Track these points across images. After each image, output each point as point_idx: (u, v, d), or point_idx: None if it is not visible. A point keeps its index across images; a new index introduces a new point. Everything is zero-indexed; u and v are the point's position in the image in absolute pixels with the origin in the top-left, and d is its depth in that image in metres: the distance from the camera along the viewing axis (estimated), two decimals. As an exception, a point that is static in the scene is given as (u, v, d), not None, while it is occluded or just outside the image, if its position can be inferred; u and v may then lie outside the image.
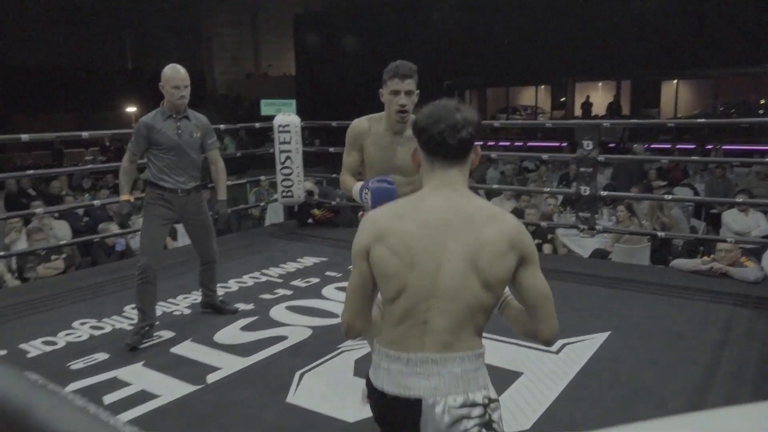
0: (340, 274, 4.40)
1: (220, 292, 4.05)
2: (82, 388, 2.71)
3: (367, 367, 2.81)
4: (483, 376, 1.38)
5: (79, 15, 20.39)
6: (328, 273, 4.44)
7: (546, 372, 2.84)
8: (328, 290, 4.05)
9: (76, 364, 2.97)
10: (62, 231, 5.77)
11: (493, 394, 1.38)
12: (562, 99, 19.14)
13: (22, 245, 5.16)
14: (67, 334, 3.36)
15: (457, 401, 1.32)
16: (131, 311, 3.57)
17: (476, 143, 1.44)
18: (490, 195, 7.59)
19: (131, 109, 20.11)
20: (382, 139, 2.36)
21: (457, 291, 1.33)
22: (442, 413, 1.32)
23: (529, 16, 16.14)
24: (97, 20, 20.96)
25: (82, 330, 3.43)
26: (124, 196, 3.38)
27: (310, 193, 5.94)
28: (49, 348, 3.18)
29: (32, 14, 19.45)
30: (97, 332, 3.38)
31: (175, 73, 3.26)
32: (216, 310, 3.67)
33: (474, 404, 1.33)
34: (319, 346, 3.14)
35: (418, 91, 2.30)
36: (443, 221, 1.36)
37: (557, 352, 3.03)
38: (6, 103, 17.95)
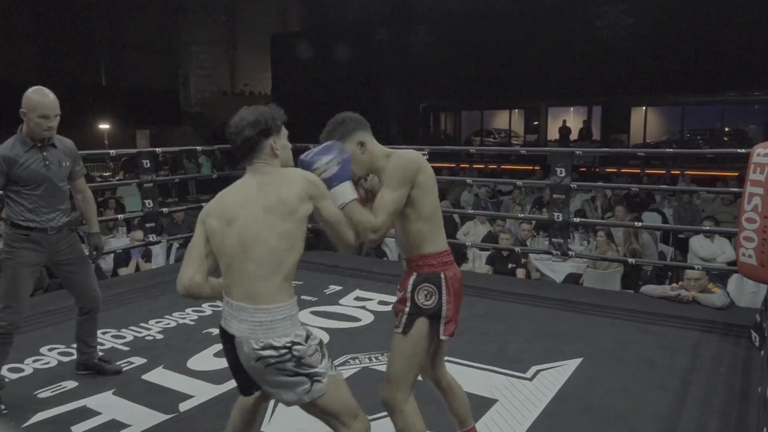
0: (316, 298, 4.39)
1: (194, 316, 4.01)
2: (50, 417, 2.66)
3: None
4: (287, 326, 1.75)
5: (51, 31, 20.15)
6: (304, 296, 4.42)
7: (520, 399, 2.86)
8: (303, 315, 4.01)
9: (44, 393, 2.91)
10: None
11: (297, 338, 1.75)
12: (535, 123, 19.50)
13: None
14: (35, 361, 3.28)
15: (258, 344, 1.72)
16: (102, 336, 3.51)
17: (270, 138, 1.82)
18: (464, 219, 7.67)
19: (104, 126, 19.88)
20: None
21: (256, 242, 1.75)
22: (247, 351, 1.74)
23: (502, 40, 16.47)
24: (70, 36, 20.75)
25: (51, 356, 3.36)
26: None
27: None
28: (15, 375, 3.10)
29: (2, 28, 19.13)
30: (66, 359, 3.31)
31: (42, 99, 2.76)
32: (96, 371, 3.10)
33: (272, 347, 1.72)
34: (293, 372, 3.12)
35: (362, 142, 2.03)
36: (250, 191, 1.80)
37: (531, 378, 3.06)
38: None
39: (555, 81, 15.95)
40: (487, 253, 6.01)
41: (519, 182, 5.13)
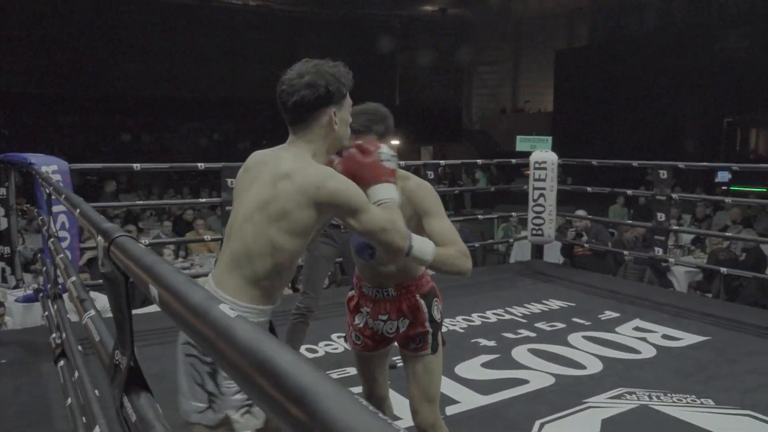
0: (589, 323, 4.13)
1: (463, 324, 4.11)
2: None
3: (618, 431, 2.57)
4: None
5: (357, 58, 22.97)
6: (575, 319, 4.20)
7: None
8: (574, 338, 3.82)
9: (332, 374, 3.25)
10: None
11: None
12: None
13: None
14: (326, 345, 3.71)
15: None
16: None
17: (327, 108, 1.46)
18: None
19: (394, 142, 21.82)
20: None
21: (241, 230, 1.46)
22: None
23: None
24: (372, 62, 23.36)
25: (339, 343, 3.76)
26: None
27: (579, 234, 5.77)
28: (311, 355, 3.55)
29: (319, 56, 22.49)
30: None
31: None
32: None
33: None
34: (562, 396, 2.97)
35: (393, 143, 1.96)
36: (256, 168, 1.51)
37: None
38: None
39: None
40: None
41: None
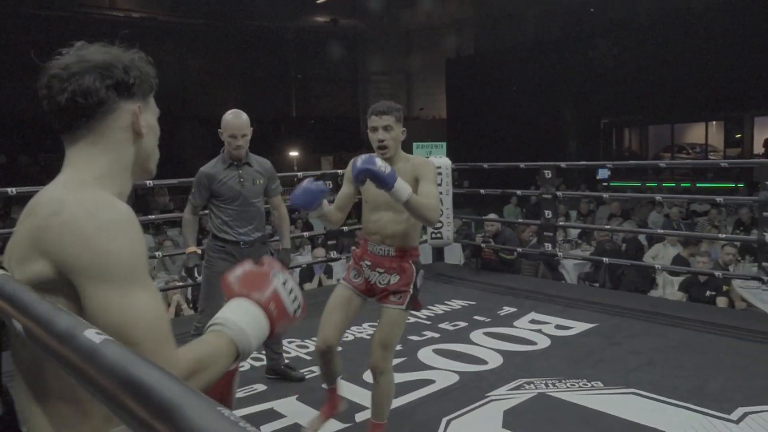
0: (489, 319, 4.29)
1: (369, 330, 4.14)
2: (243, 416, 2.88)
3: (518, 420, 2.69)
4: None
5: (254, 71, 22.64)
6: (476, 317, 4.35)
7: (724, 443, 2.51)
8: (476, 335, 3.97)
9: (238, 393, 3.16)
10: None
11: None
12: (738, 135, 17.43)
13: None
14: (231, 364, 3.60)
15: None
16: (287, 345, 3.76)
17: (129, 102, 0.93)
18: (651, 242, 7.05)
19: (294, 153, 21.67)
20: None
21: None
22: None
23: (694, 46, 15.02)
24: (269, 75, 23.10)
25: (246, 361, 3.66)
26: (190, 248, 3.22)
27: (486, 240, 5.97)
28: (215, 375, 3.43)
29: (211, 69, 21.93)
30: (257, 363, 3.59)
31: (233, 120, 3.05)
32: (282, 377, 3.33)
33: None
34: (466, 392, 3.07)
35: (404, 129, 2.44)
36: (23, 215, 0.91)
37: (737, 421, 2.67)
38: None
39: (762, 86, 14.14)
40: (680, 278, 5.44)
41: (719, 198, 4.58)
